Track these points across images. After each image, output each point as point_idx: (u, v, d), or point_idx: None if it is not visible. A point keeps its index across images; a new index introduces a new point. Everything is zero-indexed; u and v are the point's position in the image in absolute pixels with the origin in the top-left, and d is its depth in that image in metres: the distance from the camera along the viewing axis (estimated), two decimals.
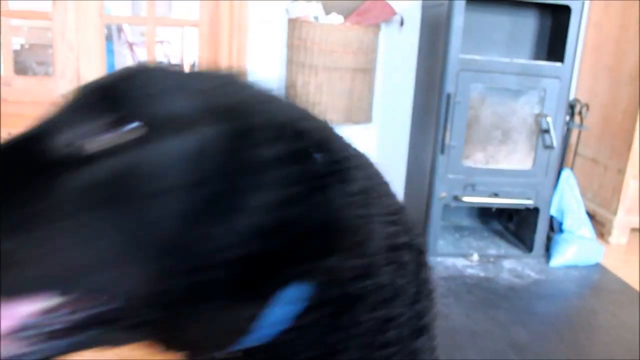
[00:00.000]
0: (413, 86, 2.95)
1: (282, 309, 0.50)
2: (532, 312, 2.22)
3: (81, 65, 3.08)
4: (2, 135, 3.15)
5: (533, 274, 2.55)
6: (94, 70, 3.08)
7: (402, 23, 2.84)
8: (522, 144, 2.65)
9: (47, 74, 4.64)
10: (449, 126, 2.51)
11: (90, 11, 3.00)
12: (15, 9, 3.37)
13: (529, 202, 2.63)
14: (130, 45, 6.19)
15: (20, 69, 4.09)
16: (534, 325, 2.12)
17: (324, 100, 2.64)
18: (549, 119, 2.55)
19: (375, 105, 2.93)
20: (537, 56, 2.76)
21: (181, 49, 6.29)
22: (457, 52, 2.42)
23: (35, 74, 4.93)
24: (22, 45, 4.95)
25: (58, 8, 2.99)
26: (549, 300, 2.34)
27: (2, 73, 3.10)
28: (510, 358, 1.87)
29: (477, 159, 2.68)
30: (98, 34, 3.04)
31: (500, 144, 2.67)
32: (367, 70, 2.66)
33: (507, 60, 2.51)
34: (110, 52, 5.30)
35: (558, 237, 2.69)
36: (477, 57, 2.48)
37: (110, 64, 4.57)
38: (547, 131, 2.57)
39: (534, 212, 2.68)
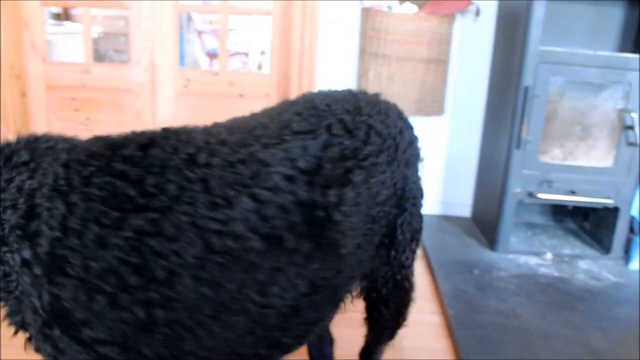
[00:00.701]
0: (488, 78, 2.87)
1: None
2: (610, 316, 2.12)
3: (156, 53, 3.15)
4: (80, 120, 3.27)
5: (611, 277, 2.44)
6: (167, 58, 3.15)
7: (477, 13, 2.76)
8: (603, 141, 2.54)
9: (123, 61, 4.78)
10: (525, 120, 2.43)
11: (165, 1, 3.06)
12: None
13: (609, 202, 2.52)
14: (199, 34, 6.30)
15: (98, 56, 4.23)
16: (613, 331, 2.03)
17: (395, 90, 2.60)
18: (634, 115, 2.42)
19: (447, 97, 2.87)
20: (622, 48, 2.63)
21: (249, 37, 6.35)
22: (536, 43, 2.33)
23: (112, 61, 5.09)
24: (99, 34, 5.12)
25: None
26: (629, 305, 2.23)
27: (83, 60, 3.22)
28: None
29: (554, 155, 2.58)
30: (172, 23, 3.10)
31: (579, 140, 2.56)
32: (440, 61, 2.61)
33: (590, 52, 2.40)
34: (180, 40, 5.42)
35: (639, 239, 2.56)
36: (557, 49, 2.38)
37: (181, 52, 4.67)
38: (631, 127, 2.45)
39: (613, 211, 2.56)
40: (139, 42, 3.13)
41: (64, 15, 5.43)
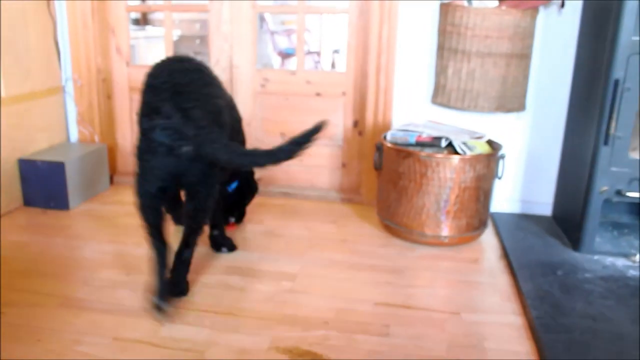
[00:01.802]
0: (572, 72, 2.76)
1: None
2: None
3: (234, 54, 3.22)
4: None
5: None
6: (245, 58, 3.22)
7: (562, 5, 2.66)
8: None
9: None
10: (614, 115, 2.32)
11: (244, 3, 3.12)
12: (176, 3, 3.59)
13: None
14: (272, 34, 6.39)
15: None
16: None
17: (475, 87, 2.55)
18: None
19: (529, 93, 2.78)
20: None
21: (321, 36, 6.39)
22: (629, 34, 2.22)
23: None
24: (177, 37, 5.30)
25: (214, 2, 3.14)
26: None
27: None
28: None
29: None
30: (250, 24, 3.17)
31: None
32: (523, 56, 2.53)
33: None
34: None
35: None
36: None
37: None
38: None
39: None
40: (218, 44, 3.22)
41: (142, 21, 5.66)
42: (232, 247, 2.51)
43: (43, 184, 2.98)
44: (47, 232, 2.69)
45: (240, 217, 2.74)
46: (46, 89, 3.17)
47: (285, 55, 6.31)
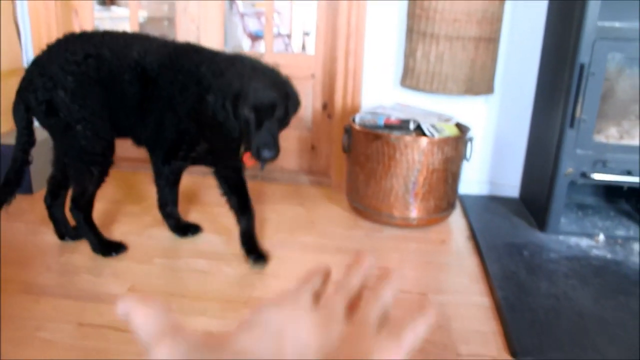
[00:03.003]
0: (539, 56, 2.79)
1: None
2: None
3: (202, 36, 3.17)
4: None
5: None
6: (213, 41, 3.16)
7: None
8: None
9: None
10: (580, 99, 2.35)
11: None
12: None
13: None
14: (242, 16, 6.31)
15: None
16: None
17: (444, 70, 2.55)
18: None
19: (497, 76, 2.80)
20: None
21: (291, 19, 6.33)
22: (594, 19, 2.24)
23: None
24: (144, 19, 5.18)
25: None
26: None
27: None
28: None
29: (610, 135, 2.49)
30: (218, 5, 3.11)
31: (637, 119, 2.46)
32: (491, 40, 2.54)
33: None
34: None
35: None
36: (617, 24, 2.28)
37: (224, 34, 4.69)
38: None
39: None
40: (185, 26, 3.16)
41: (109, 1, 5.52)
42: (196, 230, 2.50)
43: (5, 168, 2.89)
44: (9, 217, 2.62)
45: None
46: (7, 70, 3.07)
47: (256, 37, 6.23)
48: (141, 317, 0.38)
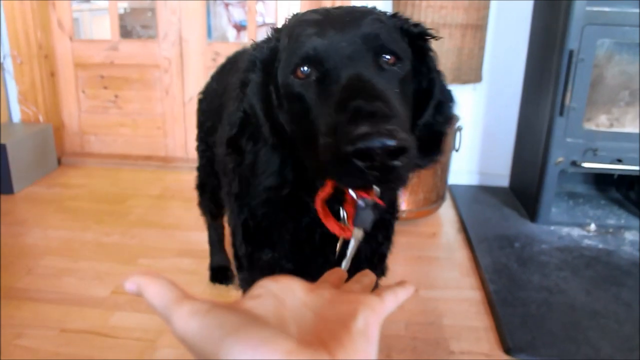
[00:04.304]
0: (527, 43, 2.74)
1: None
2: None
3: (183, 27, 3.10)
4: (109, 97, 3.25)
5: None
6: (195, 32, 3.09)
7: None
8: None
9: (150, 36, 4.74)
10: (569, 86, 2.30)
11: None
12: None
13: None
14: (226, 5, 6.21)
15: (125, 32, 4.18)
16: None
17: None
18: None
19: (485, 64, 2.75)
20: None
21: (275, 7, 6.24)
22: (583, 4, 2.20)
23: (139, 37, 5.06)
24: (125, 10, 5.07)
25: None
26: None
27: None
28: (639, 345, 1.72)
29: (599, 122, 2.46)
30: None
31: (627, 106, 2.43)
32: (478, 27, 2.48)
33: None
34: (207, 13, 5.36)
35: None
36: (606, 9, 2.23)
37: (208, 25, 4.60)
38: None
39: None
40: (166, 17, 3.08)
41: None
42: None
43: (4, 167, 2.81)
44: None
45: None
46: None
47: (241, 27, 6.14)
48: (153, 289, 0.41)
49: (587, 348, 1.69)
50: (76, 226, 2.48)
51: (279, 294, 0.44)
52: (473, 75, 2.60)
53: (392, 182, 0.70)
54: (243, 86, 0.91)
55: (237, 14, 6.28)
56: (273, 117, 0.89)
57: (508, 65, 2.79)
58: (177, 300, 0.39)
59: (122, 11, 4.58)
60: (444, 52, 2.47)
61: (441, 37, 0.98)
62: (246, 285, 1.21)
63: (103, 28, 4.02)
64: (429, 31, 0.94)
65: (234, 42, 4.86)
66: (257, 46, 0.92)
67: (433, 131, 0.95)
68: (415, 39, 0.91)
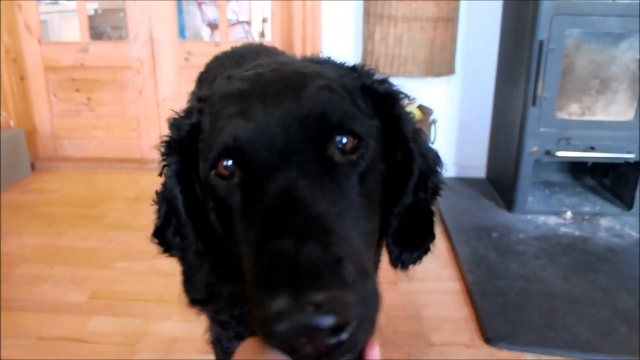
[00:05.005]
0: (499, 35, 2.76)
1: None
2: (636, 276, 2.05)
3: (154, 27, 3.06)
4: (81, 100, 3.20)
5: (634, 234, 2.37)
6: (166, 32, 3.06)
7: None
8: (623, 94, 2.43)
9: (121, 37, 4.68)
10: (541, 76, 2.33)
11: None
12: None
13: (630, 156, 2.43)
14: (199, 4, 6.16)
15: (96, 34, 4.13)
16: None
17: (403, 52, 2.51)
18: None
19: (458, 56, 2.76)
20: None
21: (249, 5, 6.21)
22: None
23: (110, 38, 4.99)
24: (95, 11, 5.00)
25: None
26: None
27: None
28: (617, 328, 1.74)
29: (571, 111, 2.49)
30: None
31: (597, 94, 2.46)
32: (449, 20, 2.50)
33: (609, 1, 2.27)
34: (180, 12, 5.31)
35: None
36: None
37: (181, 25, 4.56)
38: None
39: (635, 166, 2.47)
40: (136, 17, 3.05)
41: None
42: None
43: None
44: None
45: None
46: None
47: (215, 26, 6.09)
48: None
49: (566, 334, 1.71)
50: (51, 232, 2.44)
51: None
52: (446, 67, 2.61)
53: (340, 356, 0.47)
54: (163, 169, 0.74)
55: (211, 13, 6.23)
56: (200, 212, 0.71)
57: (481, 57, 2.81)
58: None
59: (92, 12, 4.52)
60: (416, 45, 2.48)
61: (413, 99, 0.84)
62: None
63: (72, 30, 3.97)
64: (400, 91, 0.75)
65: (206, 42, 4.83)
66: (174, 122, 0.73)
67: (418, 213, 0.75)
68: (381, 102, 0.72)
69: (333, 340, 0.45)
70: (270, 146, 0.58)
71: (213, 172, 0.62)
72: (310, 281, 0.45)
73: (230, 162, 0.61)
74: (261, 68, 0.69)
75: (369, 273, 0.51)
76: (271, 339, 0.46)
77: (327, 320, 0.44)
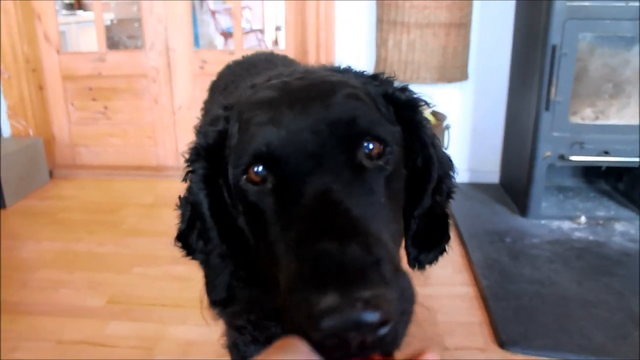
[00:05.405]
0: (511, 40, 2.77)
1: None
2: None
3: (169, 36, 3.11)
4: (98, 109, 3.25)
5: None
6: (182, 40, 3.11)
7: None
8: (637, 97, 2.43)
9: (137, 47, 4.74)
10: (554, 81, 2.33)
11: None
12: None
13: None
14: (213, 13, 6.23)
15: (112, 43, 4.19)
16: None
17: (416, 58, 2.52)
18: None
19: (471, 62, 2.77)
20: None
21: (263, 14, 6.27)
22: None
23: (126, 47, 5.06)
24: (111, 21, 5.09)
25: None
26: None
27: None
28: (632, 331, 1.74)
29: (585, 115, 2.48)
30: (184, 4, 3.05)
31: (611, 98, 2.46)
32: (462, 25, 2.51)
33: (622, 4, 2.27)
34: (194, 21, 5.38)
35: None
36: (586, 3, 2.26)
37: (195, 33, 4.61)
38: None
39: None
40: (152, 26, 3.09)
41: (76, 5, 5.41)
42: None
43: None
44: None
45: None
46: None
47: (228, 34, 6.16)
48: None
49: (580, 338, 1.71)
50: (69, 237, 2.48)
51: None
52: (459, 73, 2.62)
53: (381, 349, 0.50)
54: (188, 175, 0.76)
55: (224, 22, 6.30)
56: (225, 217, 0.73)
57: (493, 62, 2.82)
58: None
59: (108, 22, 4.59)
60: (429, 51, 2.50)
61: (433, 106, 0.86)
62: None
63: (90, 40, 4.04)
64: (420, 98, 0.78)
65: (221, 50, 4.88)
66: (201, 129, 0.75)
67: (435, 216, 0.79)
68: (403, 109, 0.75)
69: (375, 335, 0.47)
70: (302, 152, 0.60)
71: (244, 177, 0.64)
72: (358, 279, 0.48)
73: (261, 168, 0.63)
74: (286, 77, 0.72)
75: (403, 271, 0.54)
76: (316, 334, 0.47)
77: (375, 316, 0.46)
